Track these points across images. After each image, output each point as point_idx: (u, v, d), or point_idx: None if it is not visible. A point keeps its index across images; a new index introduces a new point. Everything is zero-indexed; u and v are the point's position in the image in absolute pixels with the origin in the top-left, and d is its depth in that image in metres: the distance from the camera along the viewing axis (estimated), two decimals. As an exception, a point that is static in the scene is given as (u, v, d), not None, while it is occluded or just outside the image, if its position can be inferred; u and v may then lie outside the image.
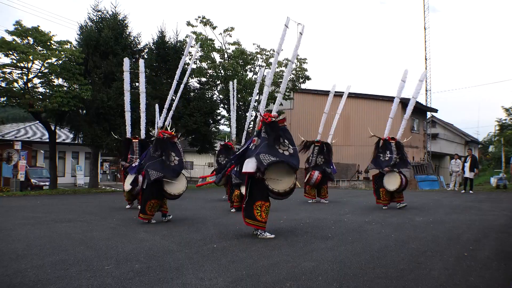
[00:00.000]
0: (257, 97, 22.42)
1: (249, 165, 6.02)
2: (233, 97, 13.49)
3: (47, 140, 19.99)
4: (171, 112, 8.28)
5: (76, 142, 21.71)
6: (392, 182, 9.91)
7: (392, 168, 9.96)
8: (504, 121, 28.37)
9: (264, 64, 22.82)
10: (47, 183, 20.27)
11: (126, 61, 10.12)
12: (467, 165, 15.69)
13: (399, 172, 9.99)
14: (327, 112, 12.19)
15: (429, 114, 29.95)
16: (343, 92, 12.42)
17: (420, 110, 27.15)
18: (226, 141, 12.47)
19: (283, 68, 23.83)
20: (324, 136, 12.21)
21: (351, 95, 25.01)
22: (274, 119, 6.11)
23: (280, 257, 4.78)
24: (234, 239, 5.92)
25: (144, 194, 7.51)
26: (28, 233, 6.42)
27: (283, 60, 24.12)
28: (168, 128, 8.00)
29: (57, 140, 21.74)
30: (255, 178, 6.01)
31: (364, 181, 22.85)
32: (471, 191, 15.61)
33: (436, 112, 29.42)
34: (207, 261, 4.60)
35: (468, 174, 15.76)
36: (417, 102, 25.73)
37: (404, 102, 24.13)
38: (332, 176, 11.96)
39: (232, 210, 9.60)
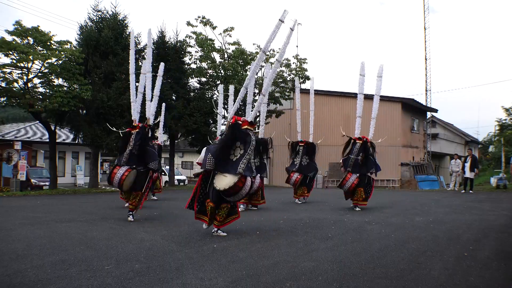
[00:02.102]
0: (256, 97, 22.46)
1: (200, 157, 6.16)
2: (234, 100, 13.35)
3: (47, 140, 19.98)
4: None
5: (76, 142, 21.70)
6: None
7: (353, 170, 9.86)
8: (504, 121, 28.36)
9: (264, 64, 22.76)
10: (47, 183, 20.25)
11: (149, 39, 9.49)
12: (467, 165, 15.70)
13: (359, 174, 9.85)
14: (299, 109, 12.25)
15: (429, 114, 29.95)
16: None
17: (420, 110, 27.14)
18: None
19: (283, 68, 23.77)
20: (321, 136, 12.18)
21: (351, 95, 25.05)
22: (239, 122, 6.12)
23: (280, 257, 4.78)
24: (234, 239, 5.91)
25: None
26: (28, 233, 6.42)
27: (284, 60, 24.07)
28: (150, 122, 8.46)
29: (57, 140, 21.73)
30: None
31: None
32: (471, 191, 15.61)
33: (436, 112, 29.44)
34: (207, 261, 4.60)
35: (468, 174, 15.76)
36: (417, 102, 26.01)
37: (404, 102, 24.24)
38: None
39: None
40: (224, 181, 5.78)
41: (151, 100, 8.84)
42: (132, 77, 8.74)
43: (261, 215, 8.69)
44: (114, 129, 9.92)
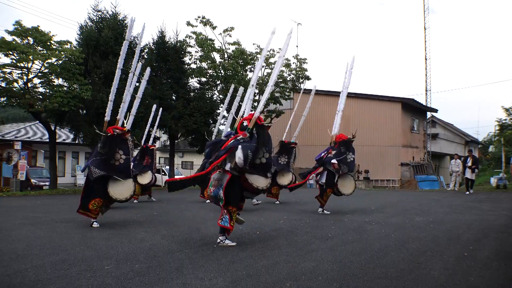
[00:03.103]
0: (256, 96, 22.45)
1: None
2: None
3: (47, 140, 19.98)
4: (125, 106, 8.09)
5: (76, 142, 21.69)
6: (347, 186, 9.30)
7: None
8: (504, 121, 28.34)
9: (264, 64, 22.80)
10: (47, 183, 20.25)
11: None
12: (468, 165, 15.71)
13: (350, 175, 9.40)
14: (305, 115, 12.25)
15: (429, 114, 29.95)
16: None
17: (420, 110, 27.14)
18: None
19: (283, 68, 23.76)
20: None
21: (351, 95, 25.02)
22: (266, 124, 5.81)
23: (280, 257, 4.78)
24: (234, 239, 5.90)
25: (87, 190, 7.21)
26: (28, 233, 6.42)
27: (284, 60, 24.04)
28: (124, 124, 7.88)
29: (57, 140, 21.73)
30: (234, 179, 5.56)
31: (364, 181, 22.87)
32: (471, 191, 15.63)
33: (436, 112, 29.44)
34: (207, 261, 4.60)
35: (469, 175, 15.77)
36: (417, 102, 26.01)
37: (404, 103, 24.24)
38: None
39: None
40: (263, 180, 5.61)
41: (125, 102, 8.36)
42: (118, 73, 7.97)
43: (261, 215, 8.69)
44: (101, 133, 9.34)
